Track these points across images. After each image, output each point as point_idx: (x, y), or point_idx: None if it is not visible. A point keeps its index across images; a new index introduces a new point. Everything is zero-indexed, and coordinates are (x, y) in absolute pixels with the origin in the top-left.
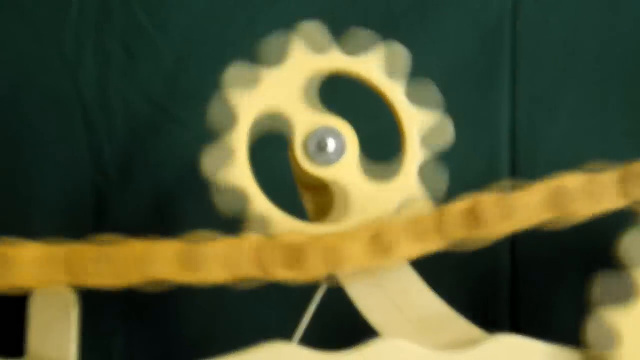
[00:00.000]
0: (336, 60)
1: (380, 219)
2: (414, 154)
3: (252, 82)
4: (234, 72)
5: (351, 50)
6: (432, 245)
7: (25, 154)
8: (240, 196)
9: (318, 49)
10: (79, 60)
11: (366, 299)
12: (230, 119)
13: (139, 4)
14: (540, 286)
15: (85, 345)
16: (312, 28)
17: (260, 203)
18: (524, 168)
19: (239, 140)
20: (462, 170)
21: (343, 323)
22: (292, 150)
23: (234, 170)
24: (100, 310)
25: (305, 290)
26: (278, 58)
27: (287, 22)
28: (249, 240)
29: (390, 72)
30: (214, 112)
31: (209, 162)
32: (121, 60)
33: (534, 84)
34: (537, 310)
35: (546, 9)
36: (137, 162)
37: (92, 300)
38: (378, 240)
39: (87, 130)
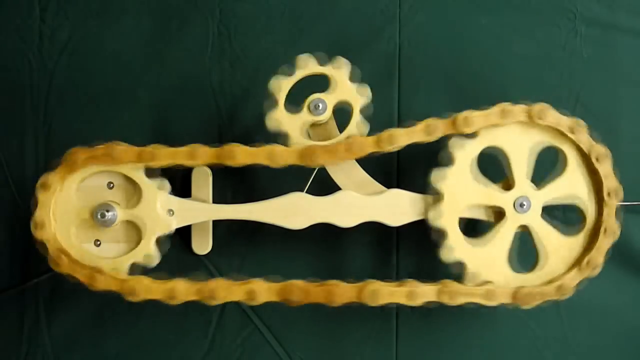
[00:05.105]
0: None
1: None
2: (357, 106)
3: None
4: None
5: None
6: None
7: (187, 109)
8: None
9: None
10: (211, 69)
11: (336, 173)
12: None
13: (236, 42)
14: (415, 174)
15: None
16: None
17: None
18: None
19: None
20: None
21: (325, 185)
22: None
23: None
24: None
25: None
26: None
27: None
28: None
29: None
30: (270, 86)
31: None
32: (228, 68)
33: (410, 87)
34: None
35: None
36: (237, 113)
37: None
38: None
39: (214, 100)
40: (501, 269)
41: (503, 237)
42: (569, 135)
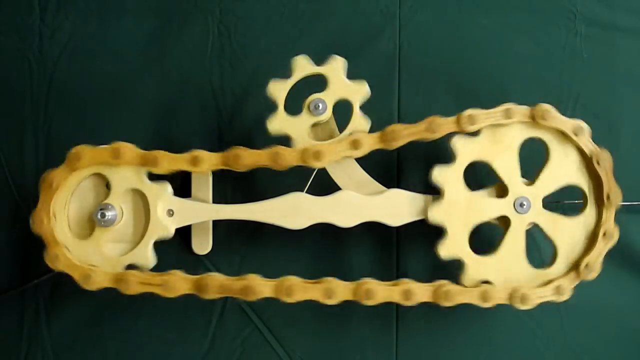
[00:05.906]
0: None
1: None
2: (356, 102)
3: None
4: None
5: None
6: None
7: (187, 109)
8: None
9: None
10: (211, 70)
11: (336, 173)
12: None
13: (236, 41)
14: (414, 174)
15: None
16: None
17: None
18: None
19: (281, 98)
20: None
21: (325, 185)
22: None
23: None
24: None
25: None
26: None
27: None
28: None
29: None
30: (268, 91)
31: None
32: (229, 69)
33: (410, 87)
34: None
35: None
36: (237, 113)
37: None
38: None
39: (214, 100)
40: (524, 271)
41: (515, 241)
42: (540, 122)
